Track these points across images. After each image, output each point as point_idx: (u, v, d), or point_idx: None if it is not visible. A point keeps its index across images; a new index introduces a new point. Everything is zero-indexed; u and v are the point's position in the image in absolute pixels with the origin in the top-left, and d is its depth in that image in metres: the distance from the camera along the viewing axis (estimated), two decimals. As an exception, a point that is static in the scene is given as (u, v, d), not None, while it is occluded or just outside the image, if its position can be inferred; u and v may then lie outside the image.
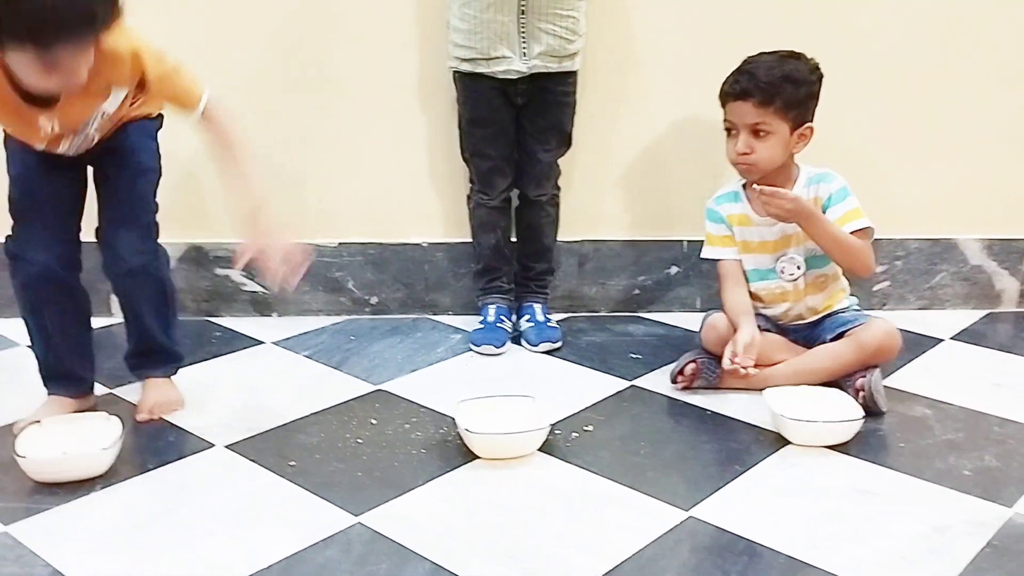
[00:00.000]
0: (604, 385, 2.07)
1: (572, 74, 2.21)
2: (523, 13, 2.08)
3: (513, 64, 2.12)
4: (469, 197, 2.34)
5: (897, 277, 2.52)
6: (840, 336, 2.00)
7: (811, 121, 1.98)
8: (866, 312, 2.09)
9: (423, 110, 2.38)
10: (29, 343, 1.87)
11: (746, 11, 2.35)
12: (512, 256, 2.37)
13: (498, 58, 2.12)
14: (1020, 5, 2.40)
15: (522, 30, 2.10)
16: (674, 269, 2.50)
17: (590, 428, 1.86)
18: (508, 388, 2.02)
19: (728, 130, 2.00)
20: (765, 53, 1.99)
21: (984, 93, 2.45)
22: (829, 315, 2.06)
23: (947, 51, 2.41)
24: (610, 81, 2.36)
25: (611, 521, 1.55)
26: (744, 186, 2.07)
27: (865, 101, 2.37)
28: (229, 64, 2.31)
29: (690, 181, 2.45)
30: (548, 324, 2.30)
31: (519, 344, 2.29)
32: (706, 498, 1.61)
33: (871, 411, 1.87)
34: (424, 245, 2.45)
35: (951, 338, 2.36)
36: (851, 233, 1.95)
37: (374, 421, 1.88)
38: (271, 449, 1.77)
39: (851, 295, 2.13)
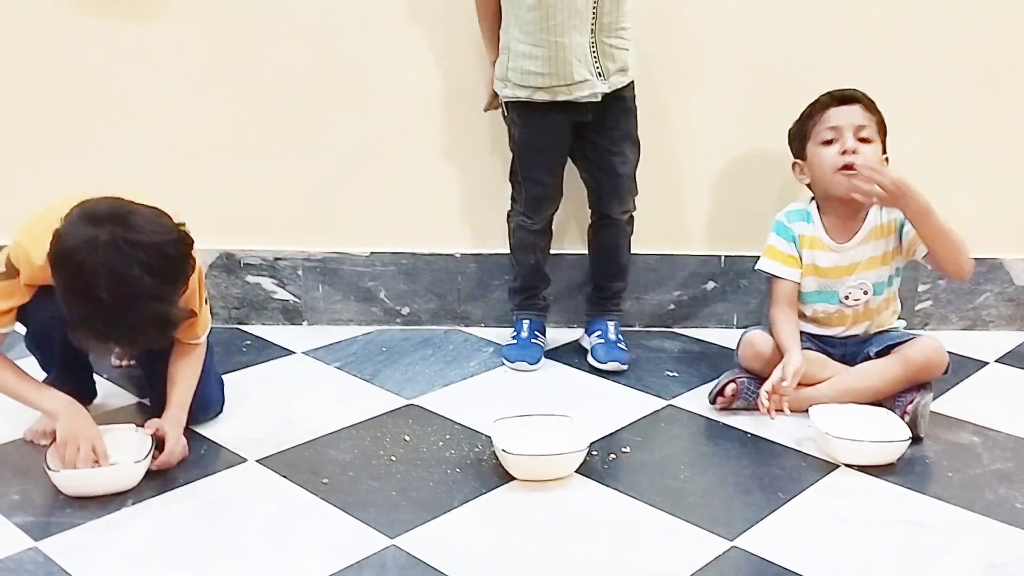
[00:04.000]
0: (640, 404, 2.02)
1: (632, 85, 2.15)
2: (593, 33, 2.02)
3: (596, 87, 2.04)
4: (509, 216, 2.28)
5: (940, 296, 2.46)
6: (884, 352, 1.95)
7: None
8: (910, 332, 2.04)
9: (458, 121, 2.34)
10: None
11: (782, 24, 2.30)
12: (548, 273, 2.32)
13: (580, 83, 2.04)
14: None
15: (594, 50, 2.03)
16: (711, 284, 2.45)
17: (628, 450, 1.82)
18: (542, 405, 1.98)
19: (828, 141, 1.94)
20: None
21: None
22: (876, 333, 2.02)
23: (994, 68, 2.36)
24: (648, 94, 2.30)
25: (652, 550, 1.51)
26: (818, 207, 2.01)
27: (911, 119, 2.31)
28: (266, 72, 2.29)
29: (728, 195, 2.41)
30: (619, 344, 2.23)
31: (555, 359, 2.25)
32: (750, 527, 1.56)
33: (914, 434, 1.82)
34: (457, 256, 2.41)
35: (996, 361, 2.30)
36: None
37: (407, 437, 1.85)
38: (303, 465, 1.74)
39: (900, 318, 2.09)
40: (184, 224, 1.61)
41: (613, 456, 1.79)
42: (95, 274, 1.48)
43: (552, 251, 2.33)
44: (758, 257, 2.06)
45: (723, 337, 2.38)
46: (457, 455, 1.79)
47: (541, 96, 2.06)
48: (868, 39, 2.30)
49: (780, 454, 1.81)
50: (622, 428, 1.90)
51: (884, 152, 1.97)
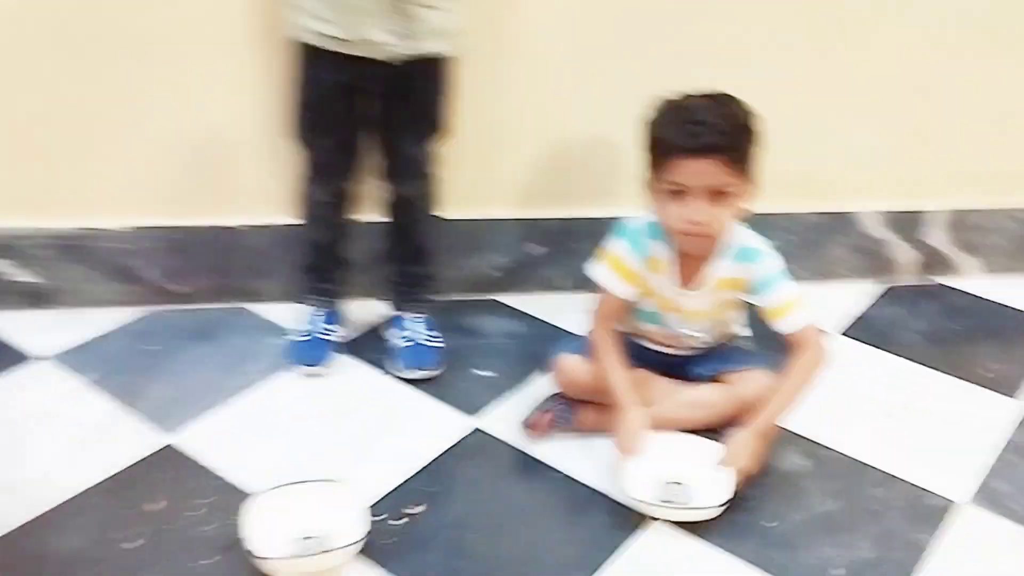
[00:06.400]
0: (443, 428, 1.76)
1: (447, 59, 1.77)
2: None
3: (392, 46, 1.66)
4: (300, 182, 1.90)
5: (792, 252, 2.23)
6: (715, 377, 1.73)
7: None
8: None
9: (232, 72, 1.90)
10: None
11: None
12: (343, 255, 1.97)
13: (371, 41, 1.65)
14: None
15: (394, 7, 1.63)
16: (537, 249, 2.16)
17: (421, 508, 1.57)
18: (324, 436, 1.72)
19: (673, 192, 1.56)
20: (691, 95, 1.55)
21: (877, 65, 2.14)
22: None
23: (845, 20, 2.08)
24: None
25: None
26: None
27: (757, 68, 2.02)
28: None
29: (549, 154, 2.09)
30: (428, 345, 1.92)
31: (355, 353, 1.95)
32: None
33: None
34: (240, 228, 2.03)
35: (842, 334, 2.12)
36: (790, 335, 1.64)
37: (158, 505, 1.55)
38: (9, 563, 1.41)
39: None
40: None
41: (404, 520, 1.55)
42: None
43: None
44: (591, 219, 1.79)
45: (552, 307, 2.12)
46: (217, 531, 1.50)
47: (327, 44, 1.68)
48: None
49: (593, 504, 1.60)
50: (414, 475, 1.65)
51: (748, 183, 1.57)
